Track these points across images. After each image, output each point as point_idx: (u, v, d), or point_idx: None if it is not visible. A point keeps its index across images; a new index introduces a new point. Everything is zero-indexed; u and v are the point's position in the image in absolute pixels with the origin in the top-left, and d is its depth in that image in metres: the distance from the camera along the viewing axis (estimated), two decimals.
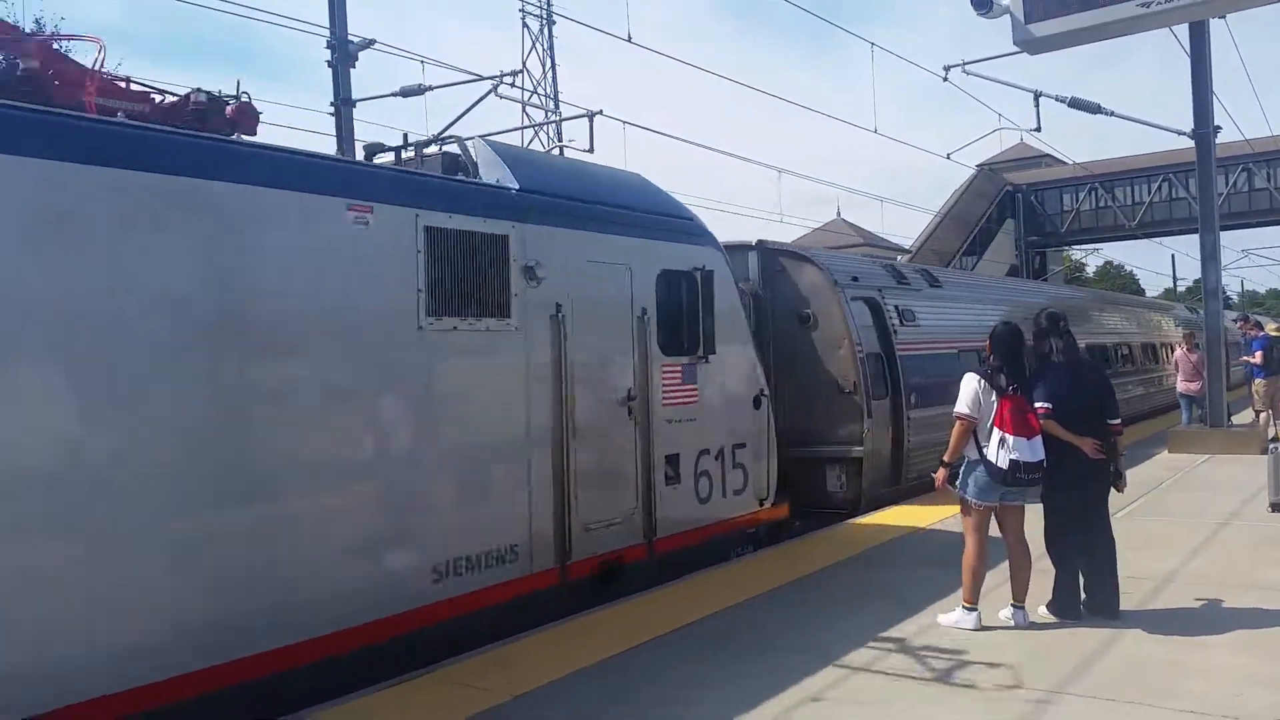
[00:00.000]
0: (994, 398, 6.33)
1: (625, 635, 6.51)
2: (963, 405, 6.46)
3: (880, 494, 11.46)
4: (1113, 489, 6.63)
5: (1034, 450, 6.18)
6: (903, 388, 12.00)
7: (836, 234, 52.37)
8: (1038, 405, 6.40)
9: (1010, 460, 6.17)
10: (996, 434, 6.25)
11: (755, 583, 7.79)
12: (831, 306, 11.47)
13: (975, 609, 6.40)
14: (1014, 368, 6.44)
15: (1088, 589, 6.58)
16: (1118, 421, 6.67)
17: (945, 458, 6.64)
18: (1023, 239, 48.73)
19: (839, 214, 58.66)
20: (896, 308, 12.71)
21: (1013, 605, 6.47)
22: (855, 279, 12.26)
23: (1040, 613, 6.55)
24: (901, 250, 46.34)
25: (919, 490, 11.25)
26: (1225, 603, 6.71)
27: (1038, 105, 18.17)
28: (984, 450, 6.31)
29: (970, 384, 6.49)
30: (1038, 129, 18.93)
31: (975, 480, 6.42)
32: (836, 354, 11.40)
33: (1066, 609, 6.52)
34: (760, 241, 11.82)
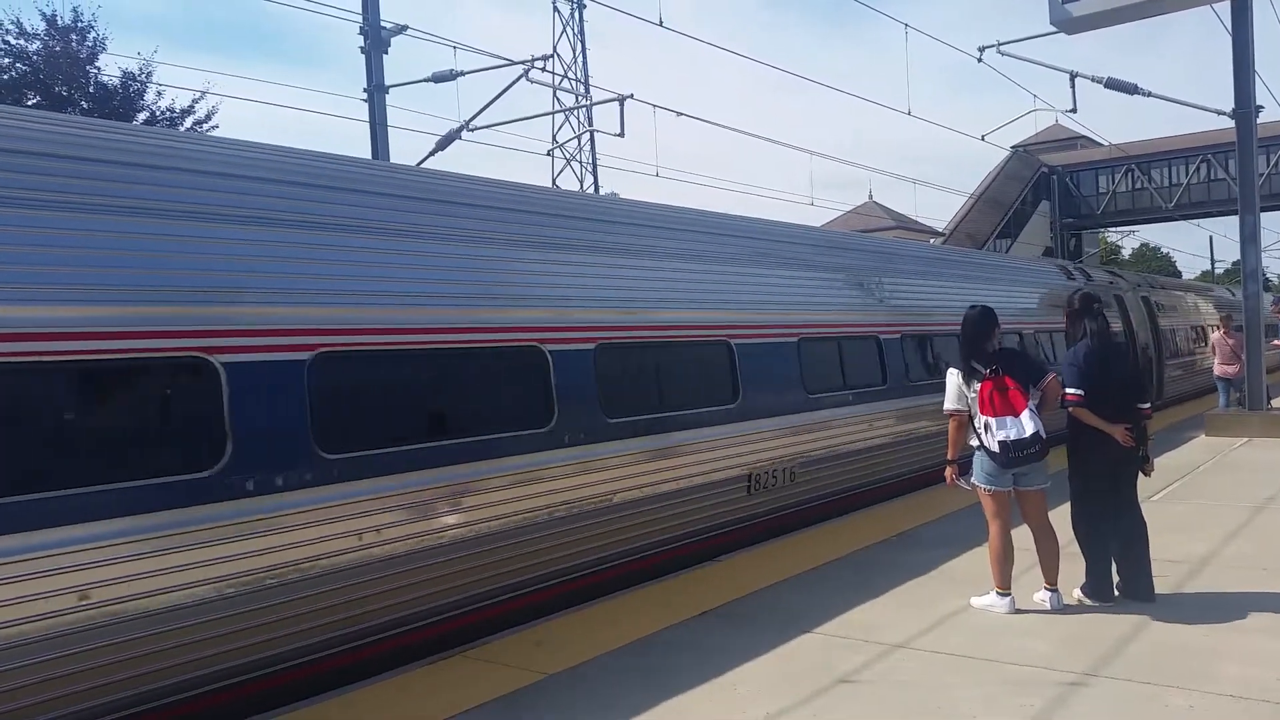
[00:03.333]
0: (975, 385, 6.32)
1: (660, 615, 6.58)
2: (948, 402, 6.51)
3: None
4: (1140, 473, 6.59)
5: (1021, 427, 6.15)
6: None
7: (868, 217, 52.07)
8: (1068, 392, 6.37)
9: (1000, 442, 6.16)
10: (982, 420, 6.25)
11: (794, 563, 7.85)
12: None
13: (1008, 594, 6.39)
14: (977, 351, 6.41)
15: (1121, 573, 6.55)
16: (1148, 405, 6.62)
17: (948, 455, 6.66)
18: (1058, 221, 48.19)
19: (871, 196, 58.30)
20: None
21: (1046, 588, 6.46)
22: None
23: (1075, 596, 6.53)
24: (934, 233, 46.02)
25: None
26: (1263, 587, 6.65)
27: (1074, 86, 18.00)
28: (980, 438, 6.31)
29: (952, 379, 6.52)
30: (1074, 110, 18.74)
31: (982, 467, 6.42)
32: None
33: (1100, 592, 6.49)
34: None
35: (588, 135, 34.36)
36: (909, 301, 12.22)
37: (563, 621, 6.60)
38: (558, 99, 28.82)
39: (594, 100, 22.50)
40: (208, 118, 25.45)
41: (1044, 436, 6.17)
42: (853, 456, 10.51)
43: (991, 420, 6.20)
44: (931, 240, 35.98)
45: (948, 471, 6.68)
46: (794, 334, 9.83)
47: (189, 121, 25.04)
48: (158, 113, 24.63)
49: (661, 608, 6.77)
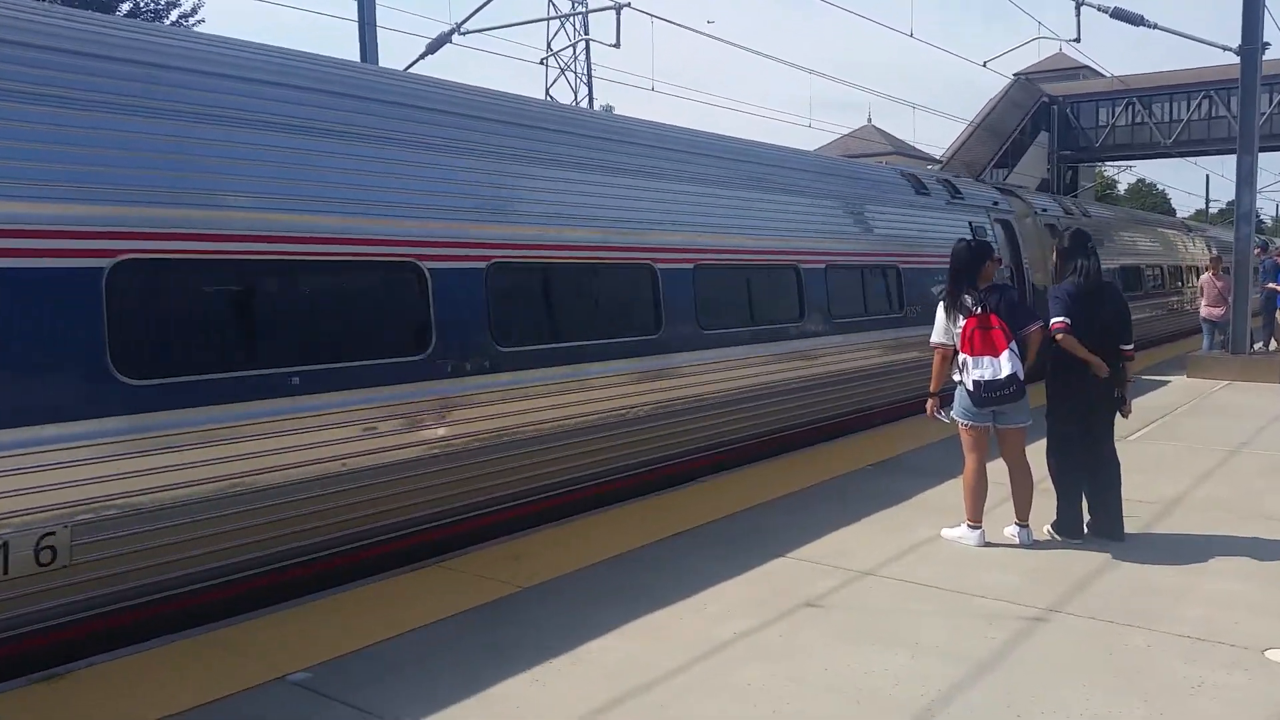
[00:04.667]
0: (960, 321, 6.32)
1: (636, 533, 6.66)
2: (935, 335, 6.52)
3: None
4: (1118, 414, 6.63)
5: (997, 367, 6.16)
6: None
7: (866, 141, 51.46)
8: (1054, 321, 6.36)
9: (974, 381, 6.19)
10: (960, 357, 6.28)
11: (765, 489, 7.94)
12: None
13: (979, 527, 6.47)
14: (964, 286, 6.40)
15: (1091, 510, 6.63)
16: (1130, 347, 6.62)
17: (930, 387, 6.68)
18: (1055, 153, 47.83)
19: (870, 120, 57.60)
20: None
21: (1016, 524, 6.54)
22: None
23: (1045, 531, 6.62)
24: (932, 160, 45.62)
25: None
26: (1231, 530, 6.75)
27: (1079, 14, 17.62)
28: (961, 373, 6.33)
29: (939, 312, 6.52)
30: (1077, 39, 18.41)
31: (960, 402, 6.44)
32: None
33: (1070, 529, 6.58)
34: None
35: (583, 45, 33.62)
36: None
37: (541, 537, 6.67)
38: (554, 4, 28.15)
39: (590, 8, 21.97)
40: (193, 11, 24.79)
41: (1021, 378, 6.18)
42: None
43: (969, 359, 6.22)
44: (929, 167, 35.56)
45: (929, 403, 6.71)
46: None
47: (174, 15, 24.38)
48: (141, 4, 23.95)
49: (639, 527, 6.85)
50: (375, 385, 6.09)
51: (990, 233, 13.94)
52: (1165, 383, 14.62)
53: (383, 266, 6.27)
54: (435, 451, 6.49)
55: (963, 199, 13.94)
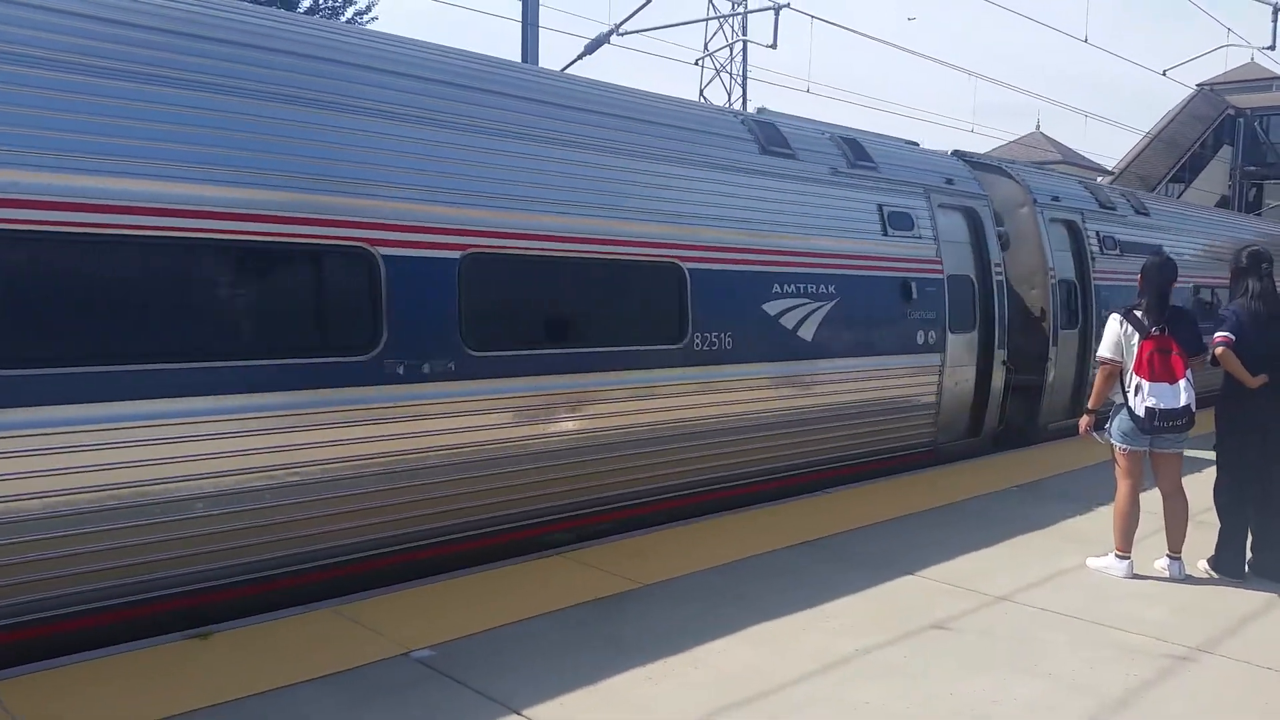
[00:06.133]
0: (1136, 339, 5.95)
1: (758, 540, 6.60)
2: (1104, 349, 6.14)
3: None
4: None
5: (1175, 396, 5.80)
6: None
7: (1033, 148, 49.58)
8: (1218, 335, 5.98)
9: (1147, 408, 5.83)
10: (1134, 379, 5.91)
11: (897, 505, 7.74)
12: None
13: (1127, 557, 6.13)
14: (1157, 305, 6.00)
15: (1255, 547, 6.19)
16: None
17: (1089, 404, 6.33)
18: (1239, 168, 44.94)
19: (1038, 127, 55.46)
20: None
21: (1169, 555, 6.16)
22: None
23: (1200, 567, 6.22)
24: (1103, 171, 43.60)
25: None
26: None
27: (1276, 20, 16.52)
28: (1126, 395, 5.97)
29: (1112, 325, 6.13)
30: (1272, 47, 17.25)
31: (1120, 425, 6.10)
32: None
33: (1230, 566, 6.16)
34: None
35: (740, 45, 33.53)
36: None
37: (665, 535, 6.69)
38: (713, 4, 28.18)
39: (750, 8, 21.90)
40: (368, 9, 25.87)
41: (1194, 410, 5.85)
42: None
43: (1145, 383, 5.88)
44: (1099, 179, 33.93)
45: (1083, 421, 6.39)
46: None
47: (350, 12, 25.51)
48: (320, 1, 25.15)
49: (760, 535, 6.78)
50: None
51: (928, 222, 9.56)
52: None
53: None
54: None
55: (872, 168, 9.23)
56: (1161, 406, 5.83)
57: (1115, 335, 6.11)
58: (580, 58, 16.29)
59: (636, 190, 7.15)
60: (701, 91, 34.01)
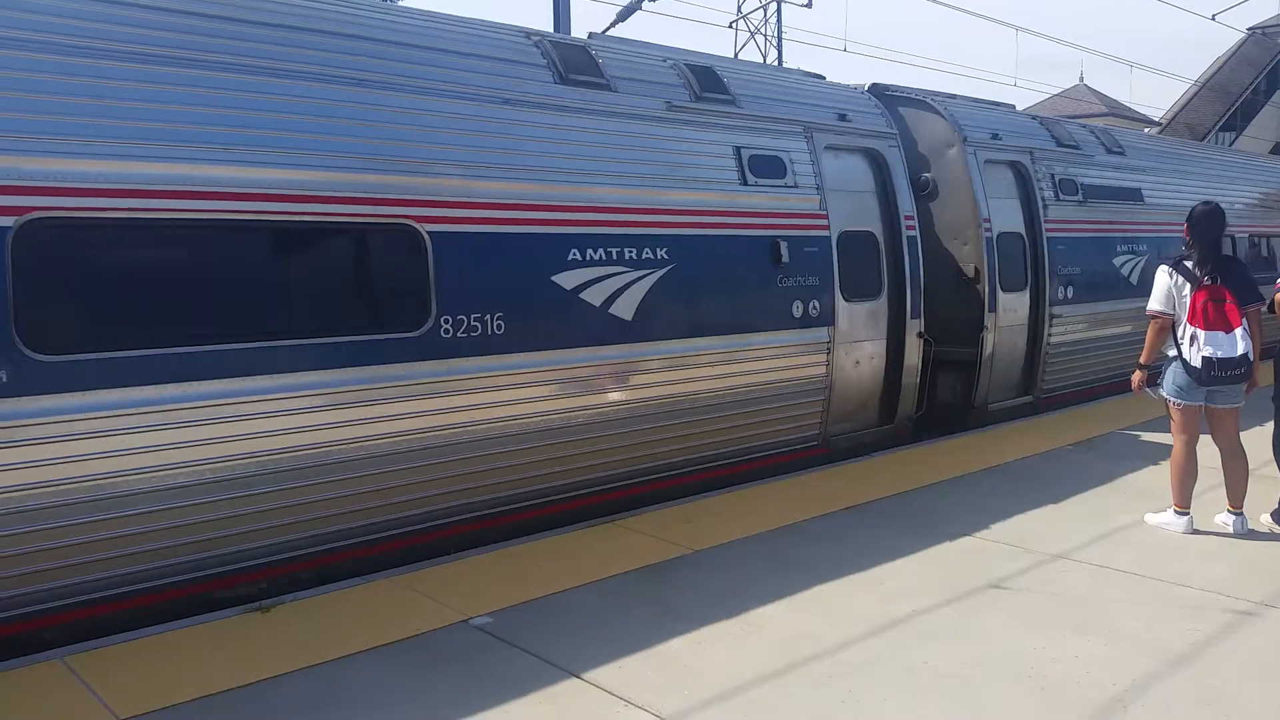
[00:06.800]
0: (1188, 290, 5.81)
1: (807, 504, 6.58)
2: (1154, 302, 5.99)
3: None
4: None
5: (1232, 345, 5.66)
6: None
7: (1078, 101, 48.51)
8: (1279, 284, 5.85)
9: (1203, 358, 5.69)
10: (1189, 329, 5.77)
11: (956, 464, 7.69)
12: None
13: (1186, 513, 6.03)
14: (1209, 254, 5.85)
15: None
16: None
17: (1141, 359, 6.20)
18: None
19: (1081, 79, 54.23)
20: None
21: (1230, 511, 6.05)
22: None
23: (1264, 521, 6.10)
24: (1150, 122, 42.59)
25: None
26: None
27: None
28: (1180, 347, 5.84)
29: (1161, 277, 5.98)
30: None
31: (1174, 378, 5.97)
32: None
33: None
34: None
35: (774, 6, 33.04)
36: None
37: (713, 502, 6.69)
38: None
39: None
40: None
41: (1251, 359, 5.71)
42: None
43: (1200, 333, 5.74)
44: (1147, 130, 33.06)
45: (1135, 377, 6.27)
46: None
47: None
48: None
49: (809, 501, 6.75)
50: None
51: (808, 168, 7.89)
52: None
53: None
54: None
55: (728, 102, 7.53)
56: (1219, 355, 5.70)
57: (1165, 287, 5.97)
58: (613, 25, 16.17)
59: (340, 129, 5.50)
60: (736, 54, 33.62)
